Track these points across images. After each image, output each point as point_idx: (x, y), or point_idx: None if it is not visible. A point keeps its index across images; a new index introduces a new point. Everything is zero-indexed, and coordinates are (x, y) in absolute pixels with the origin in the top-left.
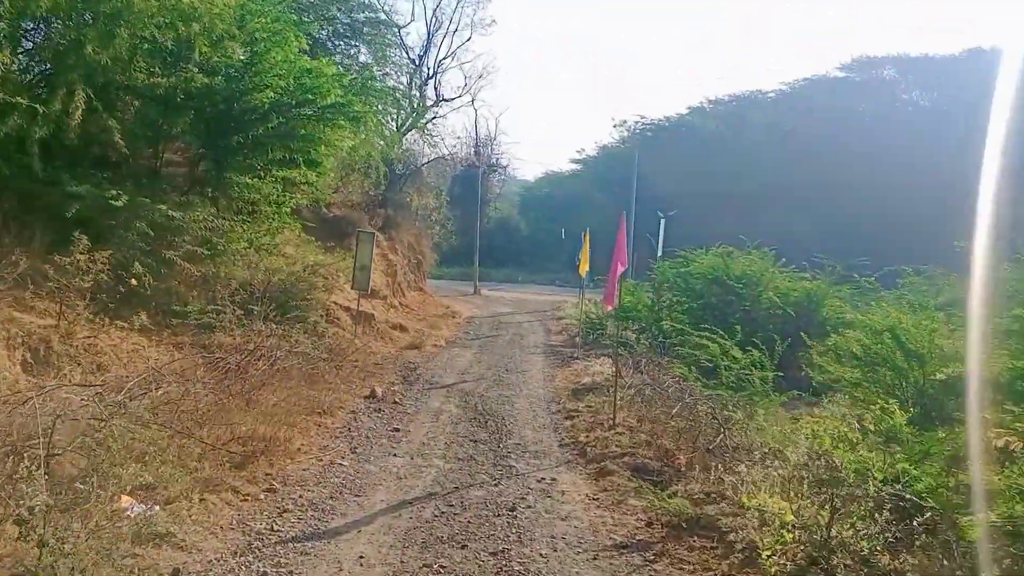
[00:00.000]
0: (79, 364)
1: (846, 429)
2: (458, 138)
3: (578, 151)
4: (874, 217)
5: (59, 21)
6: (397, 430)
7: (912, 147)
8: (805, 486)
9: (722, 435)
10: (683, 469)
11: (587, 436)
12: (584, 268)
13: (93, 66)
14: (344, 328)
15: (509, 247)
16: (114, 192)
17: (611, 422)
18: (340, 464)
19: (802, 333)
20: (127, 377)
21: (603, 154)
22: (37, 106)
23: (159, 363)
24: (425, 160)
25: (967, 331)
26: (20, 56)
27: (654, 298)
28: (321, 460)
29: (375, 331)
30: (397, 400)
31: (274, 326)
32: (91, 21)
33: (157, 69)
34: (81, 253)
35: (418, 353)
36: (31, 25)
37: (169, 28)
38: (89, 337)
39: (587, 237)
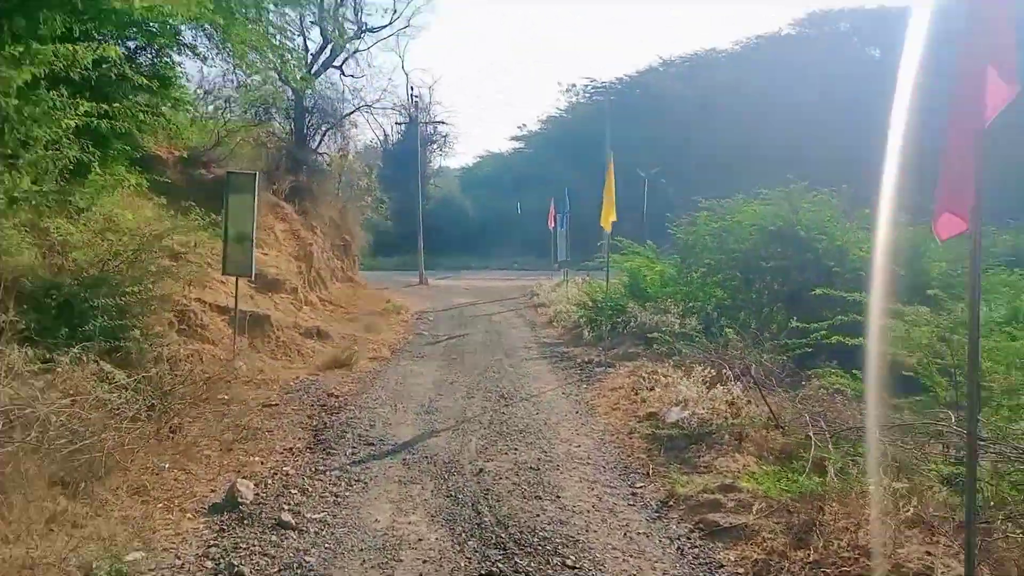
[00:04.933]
0: None
1: None
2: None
3: (519, 127)
4: (852, 171)
5: None
6: None
7: (871, 99)
8: None
9: None
10: None
11: None
12: (610, 217)
13: None
14: (216, 342)
15: (454, 230)
16: None
17: None
18: None
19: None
20: None
21: (551, 126)
22: None
23: None
24: (349, 109)
25: None
26: None
27: (680, 266)
28: None
29: (273, 343)
30: (292, 505)
31: (28, 355)
32: None
33: None
34: None
35: (346, 375)
36: None
37: None
38: None
39: (611, 164)
